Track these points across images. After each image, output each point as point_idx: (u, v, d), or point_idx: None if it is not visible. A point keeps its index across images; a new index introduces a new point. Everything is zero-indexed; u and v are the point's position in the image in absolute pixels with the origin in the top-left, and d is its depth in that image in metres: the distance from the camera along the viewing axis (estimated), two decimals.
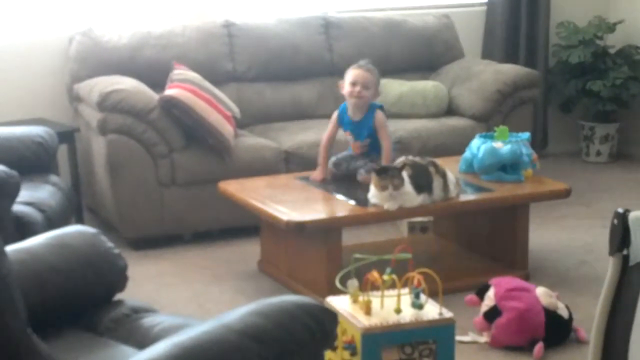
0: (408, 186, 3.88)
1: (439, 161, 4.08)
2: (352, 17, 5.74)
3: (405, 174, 3.89)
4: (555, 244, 4.73)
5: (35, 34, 5.19)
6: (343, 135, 4.44)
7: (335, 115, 4.39)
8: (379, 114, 4.30)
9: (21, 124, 4.62)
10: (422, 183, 3.93)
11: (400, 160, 3.99)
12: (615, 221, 2.41)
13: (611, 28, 6.26)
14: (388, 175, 3.85)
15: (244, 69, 5.41)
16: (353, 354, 3.08)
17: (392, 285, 3.15)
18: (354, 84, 4.26)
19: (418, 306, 3.16)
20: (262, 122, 5.32)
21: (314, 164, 4.65)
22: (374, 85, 4.30)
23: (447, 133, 5.25)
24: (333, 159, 4.38)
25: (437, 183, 3.97)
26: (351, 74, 4.30)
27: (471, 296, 3.64)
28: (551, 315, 3.50)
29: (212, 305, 3.98)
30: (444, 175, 3.99)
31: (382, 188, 3.85)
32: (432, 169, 3.98)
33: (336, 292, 3.32)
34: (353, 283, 3.23)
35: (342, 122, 4.37)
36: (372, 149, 4.33)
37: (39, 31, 5.20)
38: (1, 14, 5.13)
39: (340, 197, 4.09)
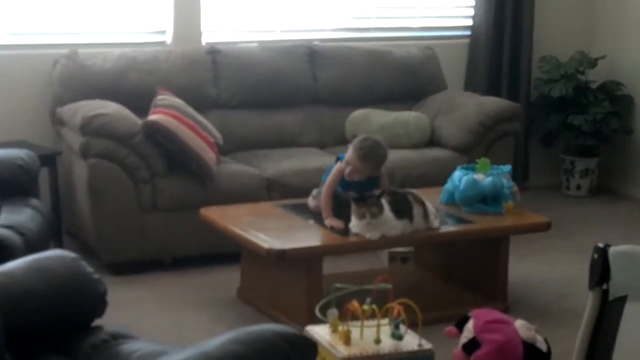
0: (388, 213, 3.87)
1: (418, 192, 4.09)
2: (337, 47, 5.76)
3: (384, 201, 3.89)
4: (535, 276, 4.75)
5: (19, 56, 5.18)
6: (323, 164, 4.40)
7: (336, 169, 4.13)
8: (384, 169, 4.21)
9: (2, 146, 4.60)
10: (402, 209, 3.93)
11: (378, 190, 3.99)
12: (596, 255, 2.42)
13: (593, 63, 6.31)
14: (366, 203, 3.85)
15: (227, 96, 5.41)
16: None
17: (372, 316, 3.15)
18: (357, 173, 4.08)
19: (398, 337, 3.16)
20: (245, 149, 5.31)
21: (296, 191, 4.65)
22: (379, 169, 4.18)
23: (429, 164, 5.26)
24: (314, 192, 4.29)
25: (417, 211, 3.97)
26: (357, 167, 4.07)
27: (450, 328, 3.63)
28: (530, 348, 3.49)
29: (191, 332, 3.96)
30: (422, 204, 4.00)
31: (360, 216, 3.85)
32: (410, 198, 3.99)
33: (316, 321, 3.32)
34: (333, 312, 3.23)
35: (341, 184, 4.13)
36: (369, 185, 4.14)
37: (23, 53, 5.19)
38: None
39: (322, 226, 4.08)
